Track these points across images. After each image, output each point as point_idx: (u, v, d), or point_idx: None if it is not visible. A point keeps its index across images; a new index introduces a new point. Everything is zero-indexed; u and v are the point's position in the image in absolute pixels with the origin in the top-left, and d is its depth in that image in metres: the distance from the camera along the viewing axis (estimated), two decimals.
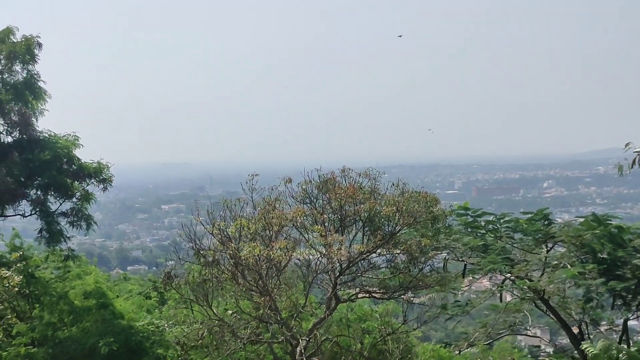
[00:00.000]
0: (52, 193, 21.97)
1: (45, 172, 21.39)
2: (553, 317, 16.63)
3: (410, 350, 17.72)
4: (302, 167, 14.63)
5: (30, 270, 19.89)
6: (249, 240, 13.44)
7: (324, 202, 14.27)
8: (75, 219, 22.10)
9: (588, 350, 11.21)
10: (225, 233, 13.62)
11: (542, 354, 21.00)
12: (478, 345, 18.07)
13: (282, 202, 14.24)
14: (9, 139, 21.68)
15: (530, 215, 16.98)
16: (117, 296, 21.35)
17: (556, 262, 15.39)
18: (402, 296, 15.33)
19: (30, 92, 21.67)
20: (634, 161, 11.44)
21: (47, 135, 21.94)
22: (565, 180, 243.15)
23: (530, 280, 15.53)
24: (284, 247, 13.09)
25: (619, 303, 15.31)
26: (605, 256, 15.18)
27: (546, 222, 16.64)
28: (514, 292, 17.49)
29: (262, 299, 13.56)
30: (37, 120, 21.86)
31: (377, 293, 15.41)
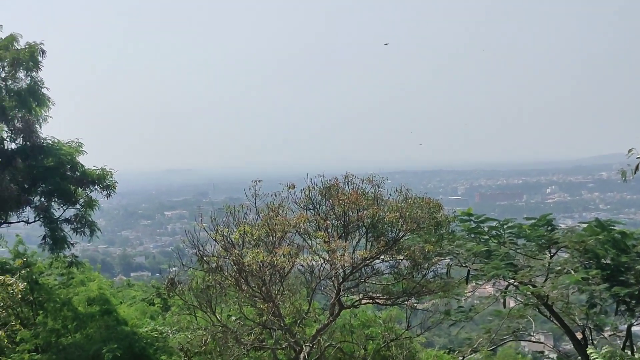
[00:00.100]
0: (56, 199, 22.02)
1: (49, 179, 21.44)
2: (557, 322, 16.59)
3: (413, 356, 17.71)
4: (306, 173, 14.66)
5: (34, 276, 19.90)
6: (252, 247, 13.44)
7: (327, 208, 14.28)
8: (78, 225, 22.14)
9: (592, 356, 11.18)
10: (228, 239, 13.64)
11: (545, 359, 20.96)
12: (482, 351, 18.04)
13: (285, 208, 14.26)
14: (13, 146, 21.73)
15: (533, 221, 16.95)
16: (121, 302, 21.37)
17: (559, 267, 15.35)
18: (406, 302, 15.33)
19: (33, 99, 21.71)
20: (637, 167, 11.44)
21: (50, 141, 21.98)
22: (568, 186, 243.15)
23: (534, 286, 15.50)
24: (288, 254, 13.10)
25: (623, 309, 15.26)
26: (608, 262, 15.16)
27: (549, 228, 16.61)
28: (518, 298, 17.44)
29: (266, 305, 13.56)
30: (40, 127, 21.93)
31: (380, 299, 15.41)
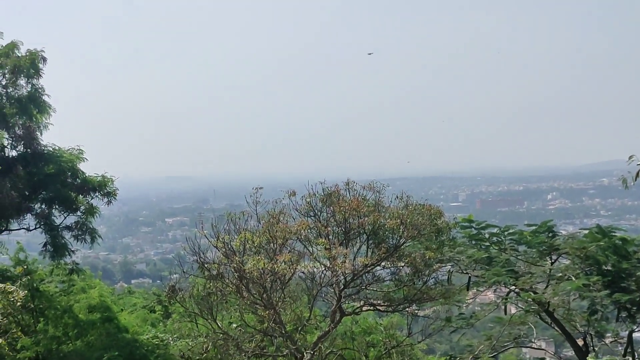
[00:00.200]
0: (57, 207, 22.03)
1: (50, 186, 21.44)
2: (558, 329, 16.57)
3: None
4: (307, 179, 14.67)
5: (34, 284, 19.88)
6: (253, 254, 13.46)
7: (328, 215, 14.29)
8: (79, 232, 22.15)
9: None
10: (229, 246, 13.66)
11: None
12: (483, 357, 17.99)
13: (286, 215, 14.27)
14: (14, 153, 21.75)
15: (534, 228, 16.94)
16: (122, 310, 21.33)
17: (560, 274, 15.35)
18: (407, 309, 15.33)
19: (34, 106, 21.73)
20: (637, 174, 11.44)
21: (51, 149, 21.99)
22: (569, 192, 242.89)
23: (535, 293, 15.48)
24: (288, 260, 13.11)
25: (624, 315, 15.23)
26: (609, 268, 15.13)
27: (550, 234, 16.59)
28: (519, 305, 17.42)
29: (267, 312, 13.57)
30: (41, 134, 21.95)
31: (381, 306, 15.41)
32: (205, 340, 14.76)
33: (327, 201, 14.28)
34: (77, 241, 22.23)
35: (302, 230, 13.79)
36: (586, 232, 16.11)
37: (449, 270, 16.56)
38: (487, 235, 17.10)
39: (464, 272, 16.72)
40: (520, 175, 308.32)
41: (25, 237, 24.07)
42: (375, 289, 14.97)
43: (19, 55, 21.69)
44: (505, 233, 16.98)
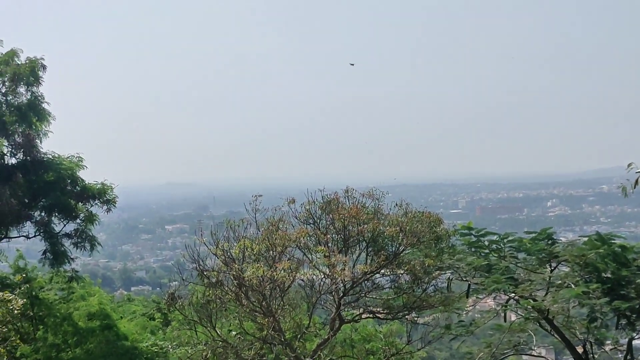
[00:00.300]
0: (56, 214, 22.06)
1: (50, 194, 21.48)
2: (557, 336, 16.54)
3: None
4: (306, 187, 14.67)
5: (34, 291, 19.89)
6: (252, 261, 13.44)
7: (328, 222, 14.28)
8: (79, 240, 22.18)
9: None
10: (228, 254, 13.64)
11: None
12: None
13: (285, 222, 14.27)
14: (13, 161, 21.81)
15: (534, 235, 16.93)
16: (121, 317, 21.34)
17: (560, 281, 15.33)
18: (406, 316, 15.31)
19: (34, 113, 21.79)
20: (636, 181, 11.46)
21: (51, 156, 22.04)
22: (569, 199, 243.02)
23: (535, 300, 15.47)
24: (288, 268, 13.09)
25: (624, 322, 15.21)
26: (609, 275, 15.11)
27: (550, 242, 16.58)
28: (518, 312, 17.41)
29: (266, 319, 13.54)
30: (41, 141, 22.00)
31: (381, 313, 15.39)
32: (205, 348, 14.71)
33: (326, 209, 14.28)
34: (77, 249, 22.28)
35: (302, 238, 13.78)
36: (586, 239, 16.09)
37: (449, 278, 16.54)
38: (486, 243, 17.08)
39: (464, 279, 16.70)
40: (520, 182, 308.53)
41: (24, 245, 24.10)
42: (374, 296, 14.96)
43: (19, 63, 21.75)
44: (505, 240, 16.96)
